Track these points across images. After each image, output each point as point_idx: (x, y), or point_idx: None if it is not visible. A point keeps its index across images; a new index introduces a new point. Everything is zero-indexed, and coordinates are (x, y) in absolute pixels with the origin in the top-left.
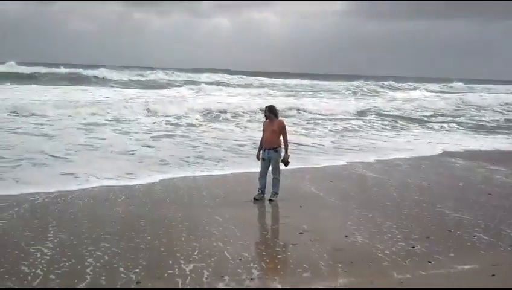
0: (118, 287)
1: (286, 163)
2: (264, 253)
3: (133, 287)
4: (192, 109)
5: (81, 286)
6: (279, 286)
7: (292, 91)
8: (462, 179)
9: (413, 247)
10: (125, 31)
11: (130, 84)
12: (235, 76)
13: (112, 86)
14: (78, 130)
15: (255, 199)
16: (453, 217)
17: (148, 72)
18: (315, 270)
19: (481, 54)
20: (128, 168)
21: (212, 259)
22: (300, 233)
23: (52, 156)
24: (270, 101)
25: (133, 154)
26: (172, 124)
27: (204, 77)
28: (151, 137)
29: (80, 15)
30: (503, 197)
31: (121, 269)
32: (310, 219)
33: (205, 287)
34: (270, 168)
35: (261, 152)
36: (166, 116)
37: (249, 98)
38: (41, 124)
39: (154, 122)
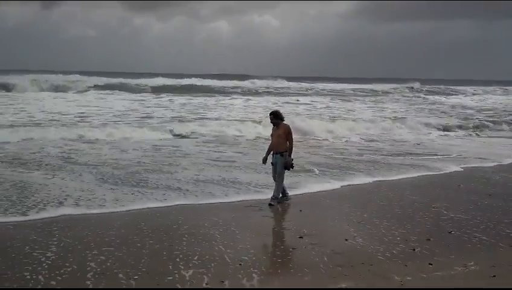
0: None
1: (288, 166)
2: (264, 257)
3: None
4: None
5: None
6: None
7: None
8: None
9: (414, 249)
10: (126, 36)
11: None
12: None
13: (197, 94)
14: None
15: (270, 204)
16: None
17: (185, 78)
18: (315, 274)
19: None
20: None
21: (212, 264)
22: (300, 237)
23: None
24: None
25: (234, 161)
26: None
27: (260, 82)
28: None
29: (80, 20)
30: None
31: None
32: (309, 223)
33: None
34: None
35: (269, 157)
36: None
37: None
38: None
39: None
